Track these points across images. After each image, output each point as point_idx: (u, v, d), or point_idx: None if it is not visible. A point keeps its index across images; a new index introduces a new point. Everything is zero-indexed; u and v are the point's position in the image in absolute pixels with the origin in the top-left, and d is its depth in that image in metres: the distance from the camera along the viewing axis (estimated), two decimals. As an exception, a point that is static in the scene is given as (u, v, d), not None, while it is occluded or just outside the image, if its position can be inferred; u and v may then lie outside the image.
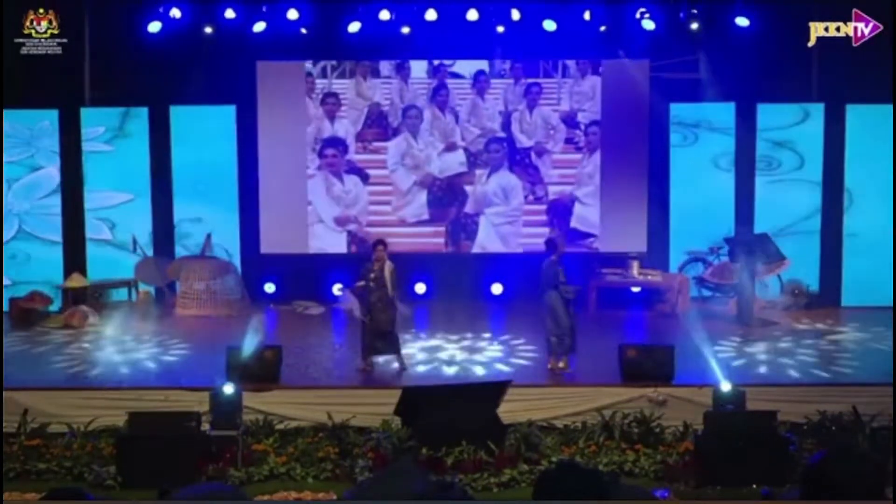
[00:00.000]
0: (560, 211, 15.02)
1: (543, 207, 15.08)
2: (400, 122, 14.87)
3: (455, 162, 14.72)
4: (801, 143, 15.41)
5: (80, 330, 13.75)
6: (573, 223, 15.02)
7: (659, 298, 15.09)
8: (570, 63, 15.34)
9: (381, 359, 11.59)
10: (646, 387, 10.45)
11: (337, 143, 14.68)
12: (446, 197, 14.80)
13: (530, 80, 15.24)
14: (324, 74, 14.78)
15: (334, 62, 15.36)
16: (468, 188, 15.04)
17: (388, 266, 11.50)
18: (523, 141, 15.04)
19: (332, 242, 14.79)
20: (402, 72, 14.94)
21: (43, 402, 10.33)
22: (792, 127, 15.41)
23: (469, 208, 14.98)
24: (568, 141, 15.12)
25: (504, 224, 14.86)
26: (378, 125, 14.72)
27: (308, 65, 15.37)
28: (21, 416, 10.00)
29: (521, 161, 14.93)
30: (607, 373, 11.17)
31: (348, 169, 14.63)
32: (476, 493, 8.75)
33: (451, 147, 14.88)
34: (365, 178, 14.69)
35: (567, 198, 15.20)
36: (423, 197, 14.72)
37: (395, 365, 11.54)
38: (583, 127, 15.21)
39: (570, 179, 15.18)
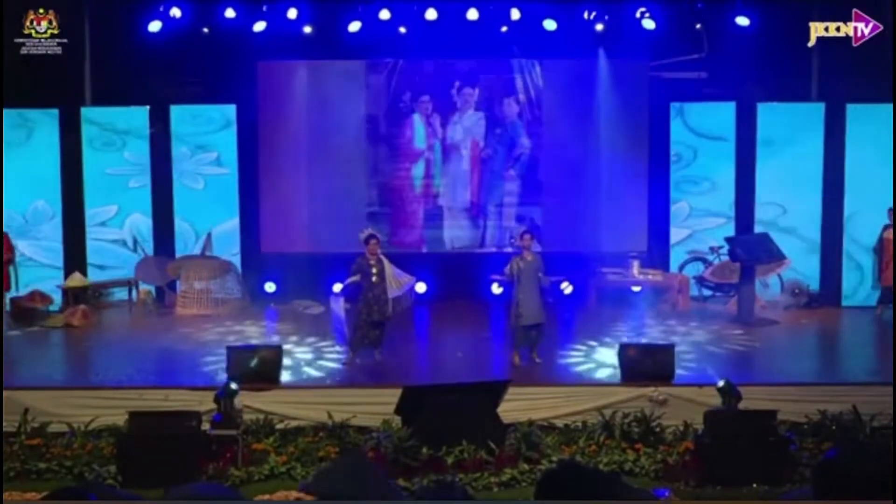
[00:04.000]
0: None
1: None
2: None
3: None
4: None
5: (81, 329, 13.76)
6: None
7: (659, 298, 15.11)
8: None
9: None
10: (646, 386, 10.45)
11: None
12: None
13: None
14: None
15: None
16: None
17: (385, 260, 11.68)
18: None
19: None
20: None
21: (43, 402, 10.30)
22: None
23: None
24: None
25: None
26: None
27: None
28: (21, 416, 9.98)
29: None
30: (607, 372, 11.18)
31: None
32: (476, 492, 8.74)
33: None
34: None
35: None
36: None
37: (378, 356, 11.74)
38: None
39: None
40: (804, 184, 15.27)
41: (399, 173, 16.27)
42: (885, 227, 14.40)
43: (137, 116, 15.65)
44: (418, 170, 16.34)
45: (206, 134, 15.85)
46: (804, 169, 15.26)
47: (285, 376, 10.94)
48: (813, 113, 15.39)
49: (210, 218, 15.74)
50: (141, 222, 15.76)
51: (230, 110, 15.82)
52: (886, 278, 14.34)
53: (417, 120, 16.21)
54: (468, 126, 16.21)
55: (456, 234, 16.38)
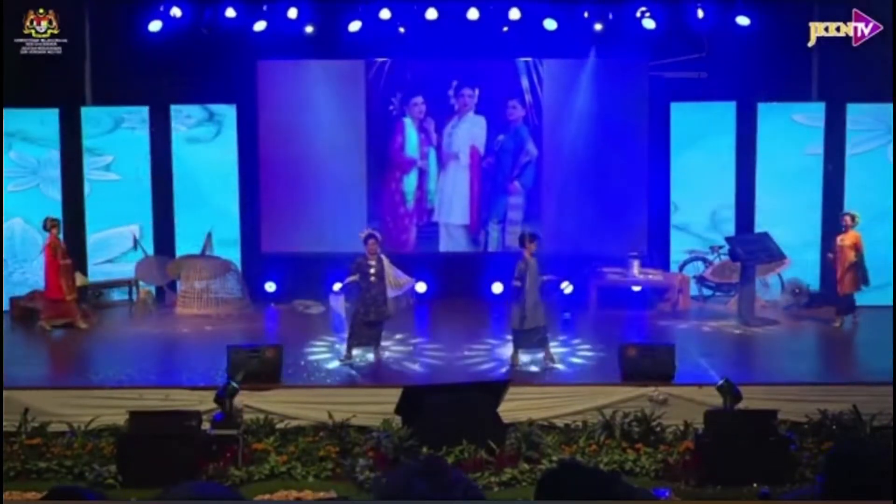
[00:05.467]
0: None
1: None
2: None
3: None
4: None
5: (81, 329, 13.75)
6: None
7: (659, 297, 15.11)
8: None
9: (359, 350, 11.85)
10: (646, 386, 10.45)
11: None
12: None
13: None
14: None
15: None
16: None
17: (385, 260, 11.65)
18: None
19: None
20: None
21: (43, 402, 10.32)
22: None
23: None
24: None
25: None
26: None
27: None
28: (21, 416, 9.99)
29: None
30: (608, 372, 11.19)
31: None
32: (477, 492, 8.74)
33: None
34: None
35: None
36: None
37: (371, 356, 11.78)
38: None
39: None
40: (803, 182, 15.30)
41: (389, 185, 15.64)
42: (840, 234, 14.02)
43: (25, 119, 15.14)
44: (410, 181, 15.62)
45: (96, 136, 15.51)
46: (804, 168, 15.27)
47: (286, 376, 10.93)
48: (812, 113, 15.40)
49: (91, 226, 15.53)
50: (17, 227, 15.19)
51: (118, 112, 15.51)
52: (843, 287, 13.82)
53: (409, 125, 15.55)
54: (467, 131, 15.58)
55: (452, 254, 15.72)
